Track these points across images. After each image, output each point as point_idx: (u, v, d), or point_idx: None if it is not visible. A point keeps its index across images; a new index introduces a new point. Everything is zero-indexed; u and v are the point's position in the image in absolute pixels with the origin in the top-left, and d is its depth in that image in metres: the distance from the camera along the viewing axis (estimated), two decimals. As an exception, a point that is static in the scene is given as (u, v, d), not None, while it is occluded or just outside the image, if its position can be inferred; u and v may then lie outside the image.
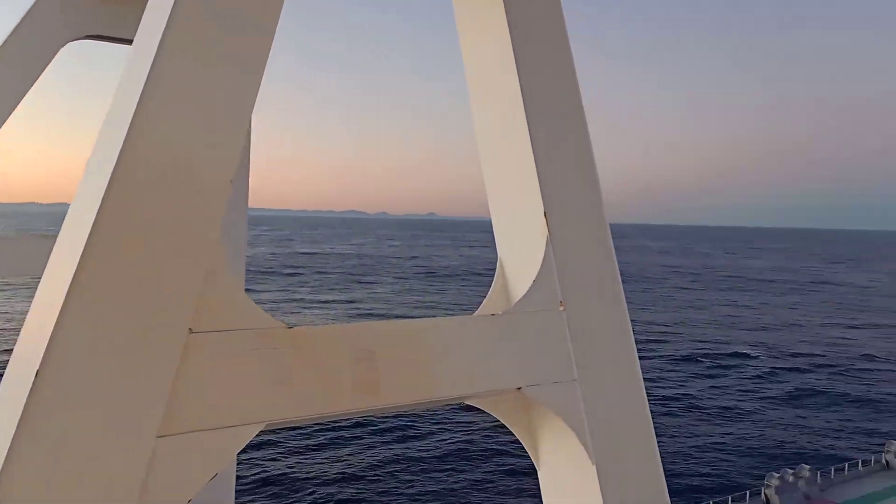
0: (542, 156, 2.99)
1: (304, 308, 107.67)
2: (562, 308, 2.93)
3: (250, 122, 2.46)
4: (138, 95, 2.13)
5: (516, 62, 3.00)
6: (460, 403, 2.88)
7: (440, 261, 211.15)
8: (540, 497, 3.19)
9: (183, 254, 2.13)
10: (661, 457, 3.09)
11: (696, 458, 53.09)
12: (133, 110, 2.11)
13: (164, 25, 2.19)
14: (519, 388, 2.77)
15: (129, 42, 3.53)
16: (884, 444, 40.40)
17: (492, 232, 3.30)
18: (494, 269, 3.24)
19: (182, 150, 2.17)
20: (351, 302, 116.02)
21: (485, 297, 3.12)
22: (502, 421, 3.13)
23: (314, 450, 47.37)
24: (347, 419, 2.57)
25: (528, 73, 3.02)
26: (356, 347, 2.43)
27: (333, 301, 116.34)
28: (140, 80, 2.17)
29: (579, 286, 3.01)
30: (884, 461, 38.64)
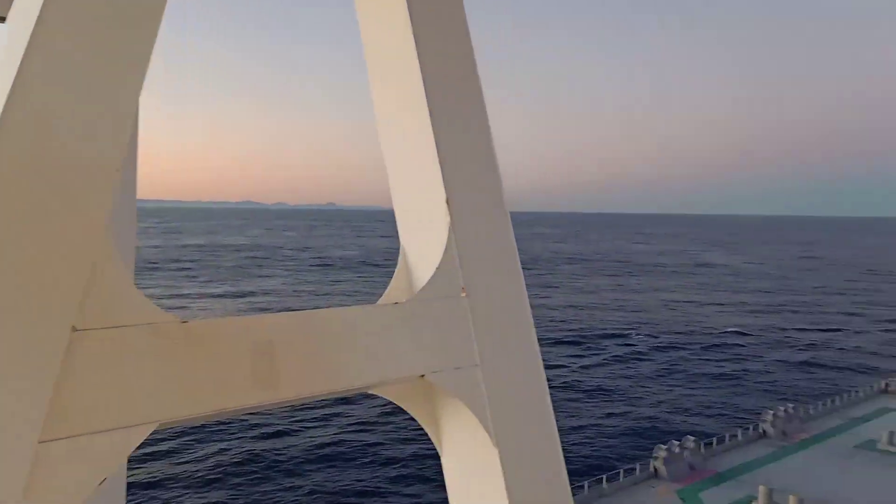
0: (444, 142, 2.99)
1: (193, 302, 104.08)
2: (464, 294, 2.95)
3: (138, 107, 2.34)
4: (13, 78, 1.98)
5: (417, 47, 2.98)
6: (364, 393, 2.86)
7: (337, 251, 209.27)
8: (443, 483, 3.22)
9: (65, 246, 2.00)
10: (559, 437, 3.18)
11: (589, 436, 55.27)
12: (7, 93, 1.96)
13: (41, 1, 2.05)
14: (422, 376, 2.77)
15: (2, 20, 3.28)
16: (760, 414, 43.37)
17: (390, 221, 3.28)
18: (392, 259, 3.24)
19: (63, 136, 2.03)
20: (243, 295, 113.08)
21: (382, 286, 3.11)
22: (406, 409, 3.13)
23: (211, 448, 46.01)
24: (247, 414, 2.50)
25: (429, 59, 3.00)
26: (254, 340, 2.36)
27: (224, 294, 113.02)
28: (14, 61, 2.01)
29: (481, 272, 3.03)
30: (760, 430, 41.48)
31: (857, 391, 50.66)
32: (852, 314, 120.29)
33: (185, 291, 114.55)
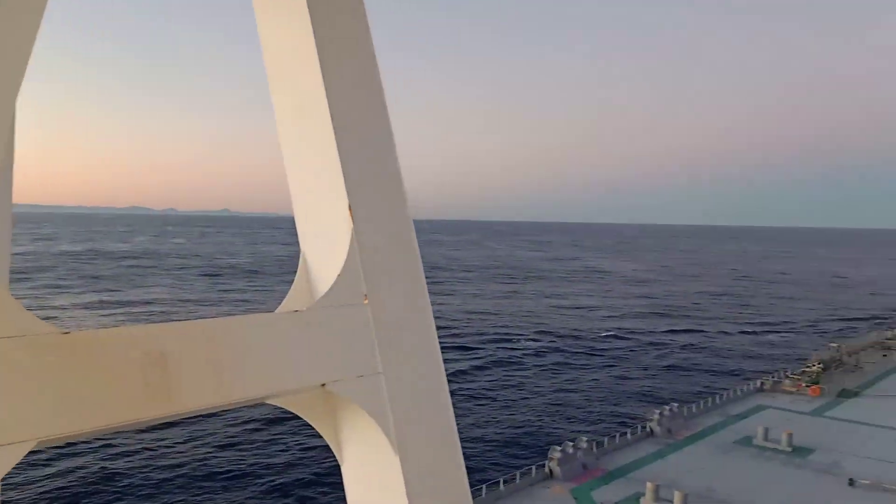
0: (346, 148, 2.96)
1: (65, 314, 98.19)
2: (366, 302, 2.93)
3: (14, 109, 2.20)
4: None
5: (318, 52, 2.93)
6: (262, 404, 2.78)
7: (228, 259, 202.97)
8: (343, 494, 3.18)
9: None
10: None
11: (486, 439, 56.07)
12: None
13: None
14: (323, 385, 2.73)
15: None
16: (647, 414, 45.33)
17: (287, 229, 3.21)
18: (287, 268, 3.17)
19: None
20: (123, 305, 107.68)
21: (275, 295, 3.04)
22: (305, 419, 3.06)
23: (94, 463, 43.48)
24: (137, 429, 2.38)
25: (330, 63, 2.96)
26: (145, 350, 2.25)
27: (101, 305, 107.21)
28: None
29: (383, 280, 3.01)
30: (648, 429, 43.35)
31: (735, 390, 53.82)
32: (725, 319, 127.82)
33: (58, 303, 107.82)
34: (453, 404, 3.17)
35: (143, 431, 46.57)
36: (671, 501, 31.69)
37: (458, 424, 3.12)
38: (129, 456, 45.20)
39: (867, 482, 35.10)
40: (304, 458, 45.66)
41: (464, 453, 3.20)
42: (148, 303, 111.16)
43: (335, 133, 2.93)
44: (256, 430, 51.02)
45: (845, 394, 54.03)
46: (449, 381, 3.14)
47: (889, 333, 78.04)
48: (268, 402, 2.75)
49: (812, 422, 47.18)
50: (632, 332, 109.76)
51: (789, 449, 40.49)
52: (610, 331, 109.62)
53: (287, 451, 47.23)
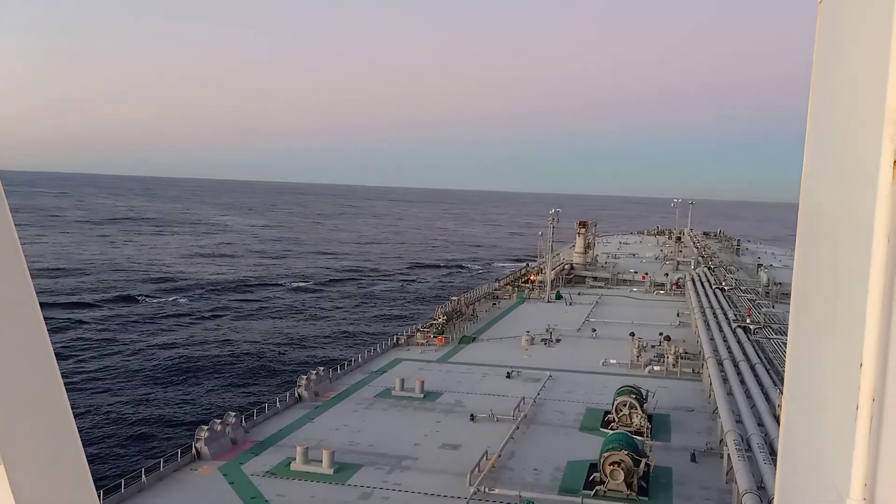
0: None
1: None
2: None
3: None
4: None
5: None
6: None
7: None
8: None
9: None
10: (85, 441, 2.83)
11: (118, 431, 51.69)
12: None
13: None
14: None
15: None
16: (296, 381, 46.17)
17: None
18: None
19: None
20: None
21: None
22: None
23: None
24: None
25: None
26: None
27: None
28: None
29: None
30: (296, 395, 44.21)
31: (375, 348, 57.67)
32: (359, 271, 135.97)
33: None
34: (73, 397, 2.77)
35: None
36: (320, 461, 32.93)
37: (84, 419, 2.75)
38: None
39: (484, 416, 40.65)
40: None
41: (97, 451, 2.83)
42: None
43: None
44: None
45: (465, 340, 61.65)
46: (64, 367, 2.73)
47: (496, 285, 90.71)
48: None
49: (439, 368, 52.90)
50: (255, 298, 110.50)
51: (422, 395, 44.87)
52: (240, 290, 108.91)
53: None
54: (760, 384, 41.39)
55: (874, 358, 2.39)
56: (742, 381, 42.05)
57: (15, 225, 2.59)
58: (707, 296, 73.78)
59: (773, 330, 57.68)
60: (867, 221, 2.41)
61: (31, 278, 2.66)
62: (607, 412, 40.88)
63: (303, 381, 45.18)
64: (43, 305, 2.63)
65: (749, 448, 31.28)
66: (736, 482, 28.44)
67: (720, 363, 46.25)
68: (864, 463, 2.44)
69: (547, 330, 63.72)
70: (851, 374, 2.47)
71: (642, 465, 31.38)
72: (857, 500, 2.46)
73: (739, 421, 35.04)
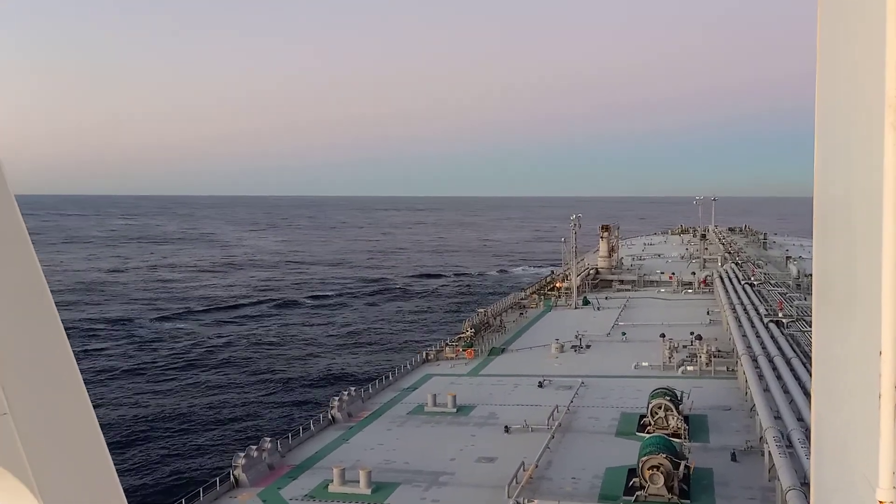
0: None
1: None
2: None
3: None
4: None
5: None
6: None
7: None
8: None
9: None
10: (119, 469, 2.90)
11: (155, 460, 52.13)
12: None
13: None
14: None
15: None
16: (329, 403, 46.31)
17: None
18: None
19: None
20: None
21: None
22: None
23: None
24: None
25: None
26: None
27: None
28: None
29: None
30: (330, 417, 44.33)
31: (405, 365, 57.68)
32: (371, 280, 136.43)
33: None
34: (105, 425, 2.84)
35: None
36: (357, 481, 32.96)
37: (118, 448, 2.82)
38: None
39: (518, 427, 40.42)
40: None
41: (132, 479, 2.90)
42: None
43: None
44: None
45: (494, 352, 61.46)
46: (94, 395, 2.80)
47: (522, 294, 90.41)
48: None
49: (470, 381, 52.75)
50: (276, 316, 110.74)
51: (454, 410, 44.73)
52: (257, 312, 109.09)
53: None
54: (797, 378, 40.69)
55: (893, 345, 2.39)
56: (778, 377, 41.37)
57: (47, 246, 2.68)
58: (736, 292, 72.76)
59: (806, 323, 56.63)
60: (877, 210, 2.42)
61: (53, 296, 2.70)
62: (642, 416, 40.44)
63: (335, 402, 45.30)
64: (73, 329, 2.71)
65: (790, 444, 30.75)
66: (779, 479, 27.97)
67: (754, 360, 45.56)
68: (892, 451, 2.43)
69: (576, 336, 63.27)
70: (872, 363, 2.47)
71: (682, 467, 30.99)
72: (887, 489, 2.45)
73: (778, 417, 34.47)
